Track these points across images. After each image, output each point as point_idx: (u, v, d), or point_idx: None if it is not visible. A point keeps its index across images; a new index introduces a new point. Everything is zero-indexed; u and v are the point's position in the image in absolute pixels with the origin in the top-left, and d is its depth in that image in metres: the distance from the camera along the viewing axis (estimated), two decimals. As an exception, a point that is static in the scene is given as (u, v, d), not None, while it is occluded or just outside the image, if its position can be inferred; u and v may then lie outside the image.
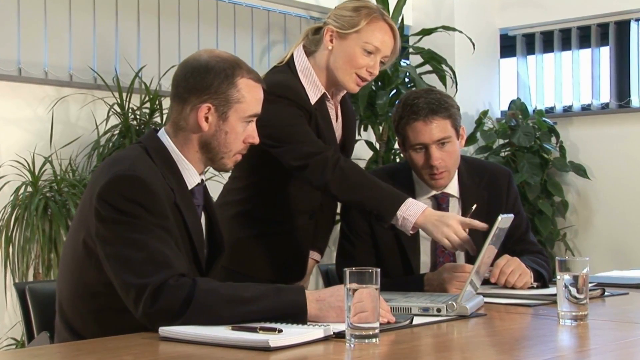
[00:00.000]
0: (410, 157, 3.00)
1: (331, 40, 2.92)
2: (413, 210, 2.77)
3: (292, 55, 2.99)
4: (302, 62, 2.96)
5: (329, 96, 3.00)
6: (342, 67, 2.91)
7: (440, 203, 3.06)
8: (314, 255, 3.25)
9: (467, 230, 2.77)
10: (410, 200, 2.79)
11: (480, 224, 2.74)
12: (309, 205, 3.03)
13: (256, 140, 2.41)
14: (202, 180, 2.41)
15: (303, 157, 2.83)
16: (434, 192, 3.06)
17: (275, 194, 3.04)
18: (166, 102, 4.66)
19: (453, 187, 3.08)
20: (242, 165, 2.56)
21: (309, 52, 2.99)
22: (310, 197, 3.03)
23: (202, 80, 2.31)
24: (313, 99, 2.94)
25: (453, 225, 2.74)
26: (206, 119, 2.32)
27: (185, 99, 2.33)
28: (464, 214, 3.05)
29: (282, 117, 2.83)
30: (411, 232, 2.81)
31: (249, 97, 2.35)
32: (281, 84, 2.86)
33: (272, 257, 3.04)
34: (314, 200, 3.06)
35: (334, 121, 3.04)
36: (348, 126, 3.13)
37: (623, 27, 6.17)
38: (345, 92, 3.06)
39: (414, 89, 4.90)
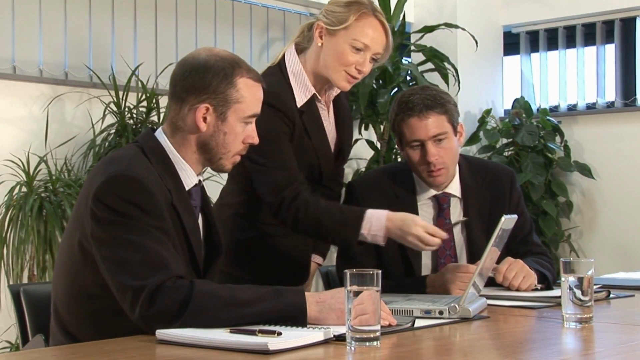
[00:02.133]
0: (408, 155, 2.99)
1: (321, 37, 2.89)
2: (377, 226, 2.78)
3: (284, 55, 2.97)
4: (292, 62, 2.94)
5: (319, 97, 2.97)
6: (331, 65, 2.87)
7: (442, 203, 3.05)
8: (316, 258, 3.24)
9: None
10: (368, 215, 2.79)
11: (442, 234, 2.75)
12: None
13: (255, 140, 2.39)
14: (199, 181, 2.40)
15: (267, 186, 2.87)
16: (434, 192, 3.05)
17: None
18: (163, 101, 4.66)
19: (454, 187, 3.06)
20: (239, 168, 2.54)
21: (302, 49, 2.97)
22: None
23: (201, 79, 2.30)
24: (302, 100, 2.92)
25: (416, 233, 2.73)
26: (204, 119, 2.31)
27: (183, 98, 2.32)
28: (465, 215, 3.05)
29: (263, 130, 2.69)
30: (383, 243, 2.83)
31: (249, 96, 2.34)
32: (268, 91, 2.79)
33: (271, 260, 3.03)
34: None
35: (325, 121, 3.01)
36: (343, 125, 3.10)
37: (629, 24, 6.18)
38: (339, 90, 3.03)
39: (421, 85, 4.88)
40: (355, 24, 2.83)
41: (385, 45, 2.89)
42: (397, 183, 3.07)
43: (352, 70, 2.87)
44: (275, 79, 2.89)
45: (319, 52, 2.90)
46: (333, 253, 3.17)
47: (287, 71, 2.93)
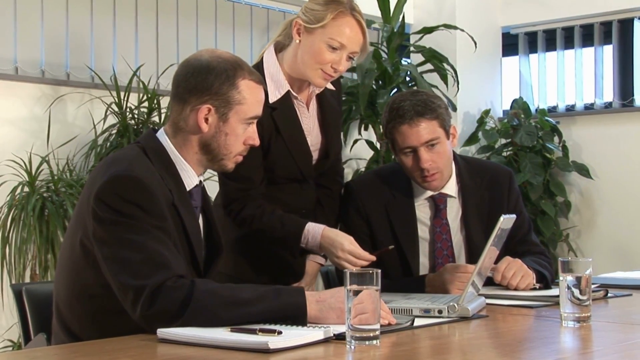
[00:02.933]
0: (401, 161, 3.00)
1: (299, 34, 2.90)
2: (312, 242, 2.90)
3: (263, 54, 3.00)
4: (269, 60, 2.96)
5: (294, 93, 2.98)
6: (308, 63, 2.88)
7: (438, 204, 3.06)
8: (317, 259, 3.22)
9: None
10: (305, 232, 2.90)
11: (367, 257, 2.83)
12: (300, 205, 3.03)
13: (256, 142, 2.40)
14: (200, 181, 2.41)
15: (223, 199, 2.96)
16: (431, 193, 3.05)
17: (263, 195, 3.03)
18: (164, 102, 4.65)
19: (451, 188, 3.07)
20: None
21: (283, 47, 2.98)
22: (300, 198, 3.04)
23: (203, 80, 2.30)
24: (275, 97, 2.93)
25: (347, 248, 2.84)
26: (206, 120, 2.31)
27: (185, 99, 2.32)
28: (464, 216, 3.06)
29: None
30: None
31: (250, 98, 2.34)
32: None
33: (263, 258, 3.04)
34: (305, 201, 3.06)
35: (303, 117, 3.02)
36: (327, 120, 3.10)
37: (626, 26, 6.19)
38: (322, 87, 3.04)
39: (412, 89, 4.89)
40: (332, 22, 2.84)
41: (362, 45, 2.90)
42: (394, 184, 3.08)
43: (328, 69, 2.87)
44: None
45: (296, 48, 2.91)
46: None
47: (264, 69, 2.94)
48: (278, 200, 3.00)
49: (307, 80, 2.96)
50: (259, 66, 2.95)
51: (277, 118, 2.93)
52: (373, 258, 2.84)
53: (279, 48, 2.99)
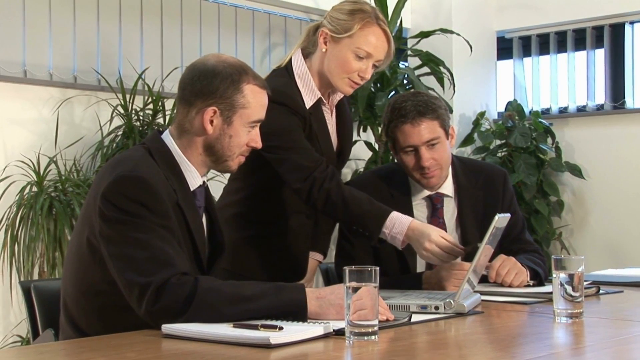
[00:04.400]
0: (402, 160, 3.03)
1: (325, 43, 2.91)
2: (399, 228, 2.81)
3: (291, 59, 3.00)
4: (299, 66, 2.97)
5: (324, 100, 3.01)
6: (335, 71, 2.91)
7: (435, 203, 3.08)
8: (316, 256, 3.27)
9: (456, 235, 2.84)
10: (394, 216, 2.82)
11: (459, 251, 2.80)
12: (305, 206, 3.00)
13: (259, 145, 2.43)
14: (203, 182, 2.44)
15: (295, 170, 2.87)
16: (428, 193, 3.08)
17: (269, 195, 3.05)
18: (169, 104, 4.69)
19: (447, 187, 3.10)
20: (239, 168, 2.52)
21: (308, 53, 3.00)
22: None
23: (209, 84, 2.33)
24: (309, 103, 2.95)
25: (434, 239, 2.76)
26: (211, 122, 2.34)
27: (191, 102, 2.35)
28: (460, 215, 3.08)
29: (279, 124, 2.80)
30: (401, 247, 2.85)
31: (254, 102, 2.37)
32: (279, 91, 2.82)
33: (269, 258, 3.06)
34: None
35: (329, 124, 3.04)
36: (344, 128, 3.13)
37: (618, 30, 6.21)
38: (342, 95, 3.07)
39: (412, 90, 4.94)
40: (359, 32, 2.86)
41: (387, 52, 2.92)
42: (391, 183, 3.10)
43: (355, 77, 2.90)
44: (284, 81, 2.92)
45: (323, 57, 2.92)
46: (333, 250, 3.19)
47: (294, 74, 2.95)
48: (283, 195, 3.02)
49: (332, 87, 2.98)
50: (288, 69, 2.97)
51: (314, 123, 2.95)
52: (460, 251, 2.79)
53: (306, 54, 3.00)
